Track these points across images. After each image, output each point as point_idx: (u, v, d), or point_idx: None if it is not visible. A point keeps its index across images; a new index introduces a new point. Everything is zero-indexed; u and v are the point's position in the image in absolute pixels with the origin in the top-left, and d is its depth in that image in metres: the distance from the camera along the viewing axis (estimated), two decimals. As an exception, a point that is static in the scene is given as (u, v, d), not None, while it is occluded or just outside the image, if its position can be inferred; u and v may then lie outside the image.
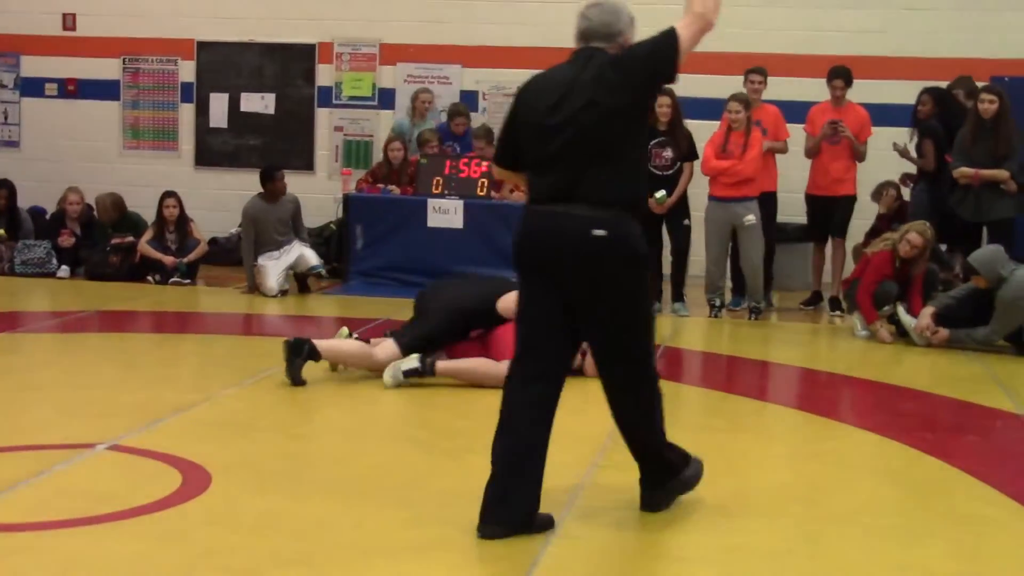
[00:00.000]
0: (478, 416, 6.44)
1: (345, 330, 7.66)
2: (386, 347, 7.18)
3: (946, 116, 10.27)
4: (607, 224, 4.40)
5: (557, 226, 4.46)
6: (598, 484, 5.21)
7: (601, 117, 4.44)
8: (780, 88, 11.04)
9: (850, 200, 10.52)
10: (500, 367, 7.08)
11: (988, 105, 9.52)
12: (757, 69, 10.62)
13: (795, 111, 10.78)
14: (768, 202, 10.45)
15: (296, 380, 6.95)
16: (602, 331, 4.56)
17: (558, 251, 4.46)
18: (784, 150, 10.66)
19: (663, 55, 4.55)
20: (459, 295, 7.44)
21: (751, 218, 10.03)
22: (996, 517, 5.01)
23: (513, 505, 4.46)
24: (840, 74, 10.40)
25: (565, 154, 4.47)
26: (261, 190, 11.05)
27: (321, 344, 7.10)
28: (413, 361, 7.03)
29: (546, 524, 4.54)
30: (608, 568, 4.23)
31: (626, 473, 5.40)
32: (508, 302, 7.32)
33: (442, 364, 7.10)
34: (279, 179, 11.04)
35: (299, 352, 6.97)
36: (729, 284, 10.60)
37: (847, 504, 5.12)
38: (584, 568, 4.23)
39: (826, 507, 5.08)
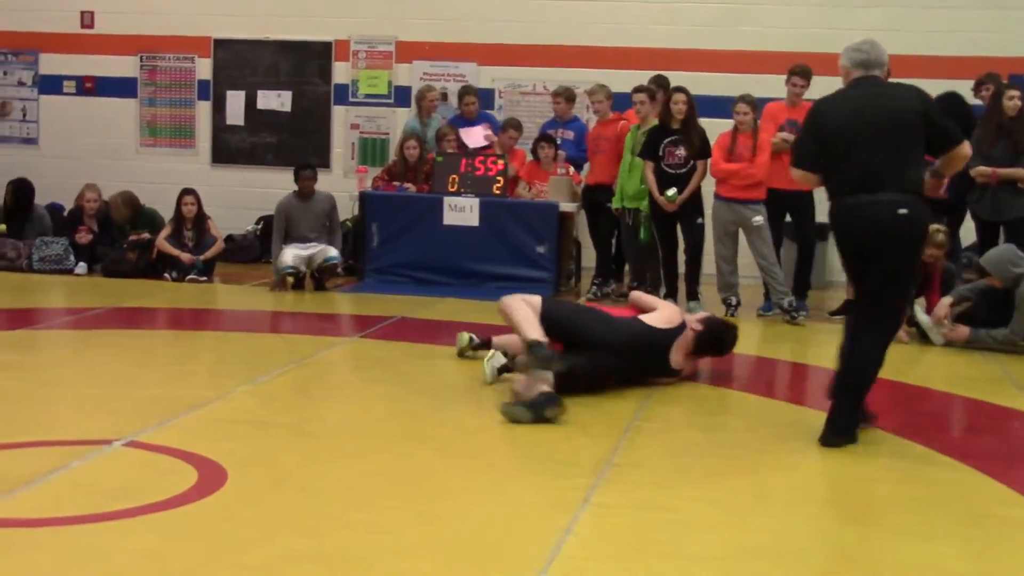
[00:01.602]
0: (493, 414, 6.46)
1: (465, 335, 7.86)
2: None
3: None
4: (908, 205, 5.79)
5: (870, 211, 5.83)
6: (612, 482, 5.20)
7: (893, 128, 5.86)
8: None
9: None
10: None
11: (1017, 102, 9.48)
12: (800, 71, 10.30)
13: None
14: (806, 201, 10.35)
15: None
16: (884, 280, 5.91)
17: (872, 227, 5.82)
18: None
19: (949, 133, 5.97)
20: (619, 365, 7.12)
21: (759, 219, 10.02)
22: (1012, 517, 4.99)
23: (847, 424, 5.95)
24: None
25: (871, 156, 5.83)
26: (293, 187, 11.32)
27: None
28: (502, 359, 7.12)
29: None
30: (622, 567, 4.23)
31: (641, 471, 5.41)
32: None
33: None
34: (303, 177, 11.18)
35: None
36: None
37: (862, 504, 5.11)
38: (597, 566, 4.23)
39: (841, 507, 5.07)
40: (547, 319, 6.89)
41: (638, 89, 10.68)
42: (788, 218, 10.50)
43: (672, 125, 10.22)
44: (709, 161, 10.27)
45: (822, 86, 10.61)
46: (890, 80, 6.06)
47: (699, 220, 10.33)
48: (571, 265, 11.89)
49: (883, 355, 6.06)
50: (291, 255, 10.92)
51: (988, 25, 12.08)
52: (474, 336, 7.90)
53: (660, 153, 10.23)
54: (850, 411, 6.00)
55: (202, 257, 11.41)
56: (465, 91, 12.32)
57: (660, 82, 11.00)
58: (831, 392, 6.10)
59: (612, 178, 10.93)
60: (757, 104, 10.20)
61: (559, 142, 11.68)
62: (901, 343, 9.04)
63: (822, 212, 10.73)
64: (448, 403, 6.71)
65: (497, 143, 11.83)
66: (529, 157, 11.81)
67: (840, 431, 5.96)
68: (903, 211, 5.78)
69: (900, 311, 6.22)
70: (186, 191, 11.66)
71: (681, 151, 10.19)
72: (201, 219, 11.63)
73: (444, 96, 12.98)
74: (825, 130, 6.04)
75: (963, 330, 8.83)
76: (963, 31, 12.05)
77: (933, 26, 12.20)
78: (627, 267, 11.21)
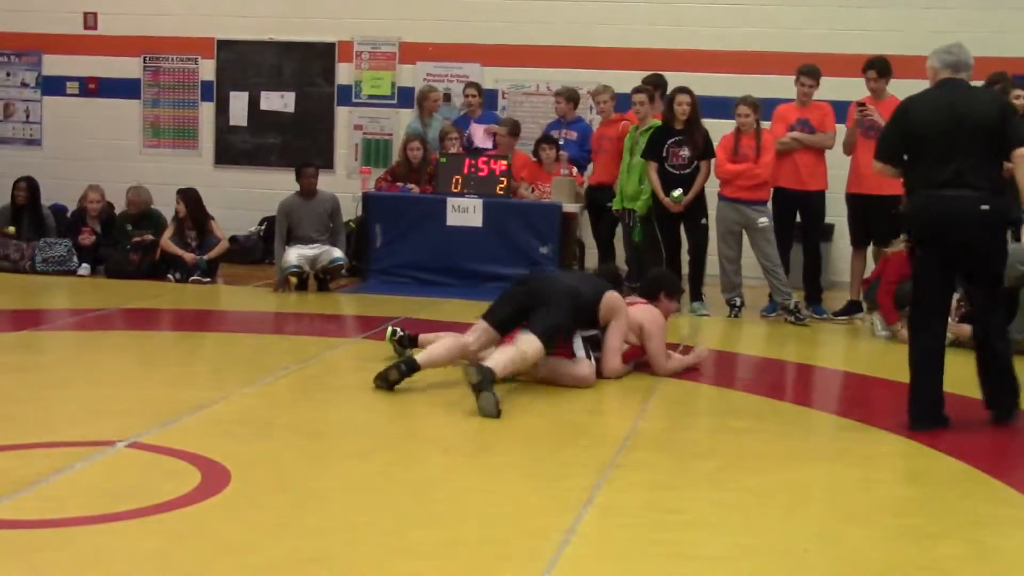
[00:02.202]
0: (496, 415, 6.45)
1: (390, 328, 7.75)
2: (529, 340, 6.88)
3: None
4: (989, 201, 6.16)
5: (953, 205, 6.18)
6: (615, 483, 5.20)
7: (978, 129, 6.21)
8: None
9: (891, 201, 10.27)
10: (577, 366, 7.08)
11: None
12: (809, 71, 10.28)
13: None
14: (816, 202, 10.33)
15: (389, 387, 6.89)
16: (981, 274, 6.40)
17: (955, 222, 6.17)
18: (823, 144, 10.30)
19: (1008, 139, 6.25)
20: (575, 286, 7.30)
21: (764, 220, 10.02)
22: (1015, 518, 4.99)
23: (926, 407, 6.39)
24: (872, 65, 10.11)
25: (954, 153, 6.18)
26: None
27: (421, 356, 7.02)
28: None
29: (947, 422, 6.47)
30: (625, 568, 4.23)
31: (644, 472, 5.41)
32: (609, 300, 7.32)
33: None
34: (303, 176, 11.17)
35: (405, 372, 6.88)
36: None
37: (866, 504, 5.10)
38: (601, 567, 4.23)
39: (845, 507, 5.07)
40: (498, 323, 7.15)
41: (638, 89, 10.68)
42: (798, 218, 10.47)
43: (676, 126, 10.22)
44: (713, 162, 10.27)
45: (827, 87, 10.66)
46: (981, 90, 6.67)
47: (703, 221, 10.33)
48: (575, 266, 11.89)
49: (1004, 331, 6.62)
50: (295, 255, 10.93)
51: (993, 25, 12.05)
52: (399, 329, 7.86)
53: (664, 154, 10.24)
54: (1006, 389, 6.50)
55: (207, 256, 11.41)
56: (467, 84, 12.39)
57: (655, 81, 11.01)
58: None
59: (614, 178, 10.93)
60: (760, 105, 10.19)
61: (562, 143, 11.68)
62: (905, 343, 9.04)
63: (830, 214, 10.78)
64: (451, 404, 6.70)
65: (499, 143, 11.81)
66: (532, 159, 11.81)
67: (1004, 407, 6.50)
68: (985, 207, 6.14)
69: (999, 299, 6.56)
70: (178, 191, 11.69)
71: (685, 152, 10.19)
72: (204, 220, 11.64)
73: (447, 97, 12.99)
74: (913, 127, 6.37)
75: (966, 328, 8.81)
76: (967, 32, 11.92)
77: (937, 27, 12.15)
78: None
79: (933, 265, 6.32)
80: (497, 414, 6.29)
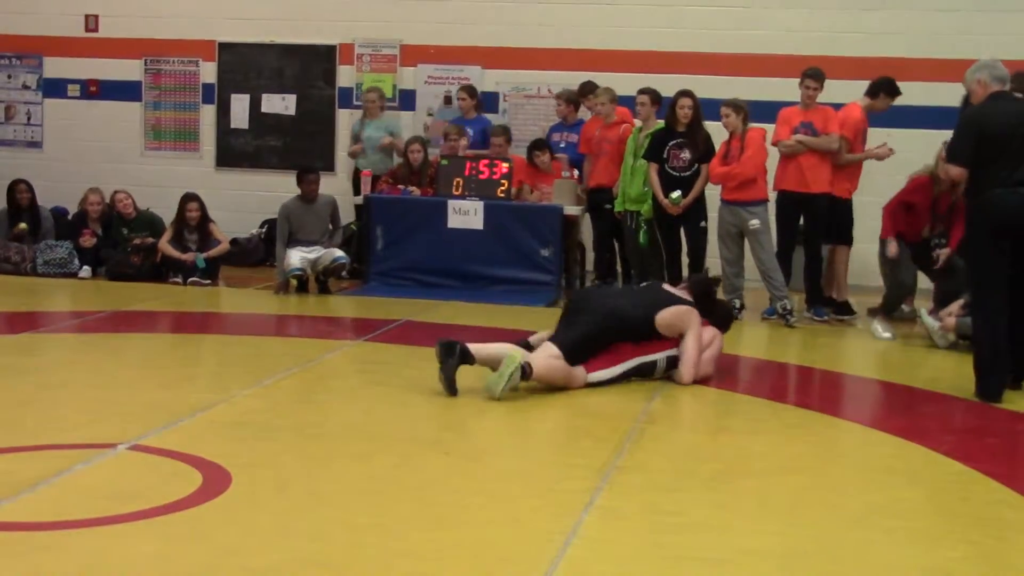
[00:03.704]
0: (497, 417, 6.46)
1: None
2: (547, 349, 7.07)
3: None
4: None
5: None
6: (618, 485, 5.20)
7: None
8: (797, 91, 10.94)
9: (847, 203, 10.37)
10: (578, 372, 7.07)
11: None
12: (813, 74, 10.29)
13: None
14: (821, 204, 10.27)
15: (451, 386, 6.77)
16: None
17: None
18: (827, 147, 10.20)
19: None
20: (620, 302, 7.40)
21: (755, 223, 10.01)
22: (1017, 520, 4.99)
23: (996, 380, 7.13)
24: (898, 89, 10.47)
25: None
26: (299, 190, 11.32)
27: (474, 346, 6.96)
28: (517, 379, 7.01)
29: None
30: (626, 570, 4.22)
31: (645, 474, 5.41)
32: (668, 317, 7.35)
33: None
34: (304, 181, 11.14)
35: (451, 352, 6.80)
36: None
37: (867, 506, 5.10)
38: (603, 569, 4.23)
39: (845, 509, 5.06)
40: (568, 347, 7.12)
41: (642, 91, 10.70)
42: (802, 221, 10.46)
43: (678, 128, 10.23)
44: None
45: (830, 89, 10.66)
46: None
47: (702, 223, 10.34)
48: (576, 268, 11.88)
49: None
50: (297, 257, 10.93)
51: (993, 28, 12.06)
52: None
53: (664, 155, 10.24)
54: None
55: (207, 255, 11.40)
56: (460, 87, 12.48)
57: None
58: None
59: (614, 181, 10.93)
60: (744, 106, 10.14)
61: (563, 145, 11.68)
62: (891, 256, 9.12)
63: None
64: (452, 406, 6.70)
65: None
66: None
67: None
68: None
69: None
70: (189, 197, 11.67)
71: (686, 154, 10.20)
72: (204, 222, 11.64)
73: (447, 99, 13.01)
74: (988, 134, 7.05)
75: (951, 320, 8.88)
76: (967, 34, 12.03)
77: (937, 29, 12.20)
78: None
79: (997, 252, 7.01)
80: (448, 389, 6.73)
